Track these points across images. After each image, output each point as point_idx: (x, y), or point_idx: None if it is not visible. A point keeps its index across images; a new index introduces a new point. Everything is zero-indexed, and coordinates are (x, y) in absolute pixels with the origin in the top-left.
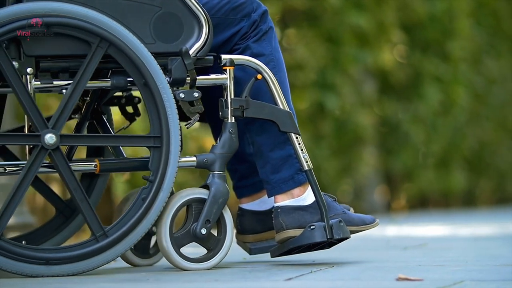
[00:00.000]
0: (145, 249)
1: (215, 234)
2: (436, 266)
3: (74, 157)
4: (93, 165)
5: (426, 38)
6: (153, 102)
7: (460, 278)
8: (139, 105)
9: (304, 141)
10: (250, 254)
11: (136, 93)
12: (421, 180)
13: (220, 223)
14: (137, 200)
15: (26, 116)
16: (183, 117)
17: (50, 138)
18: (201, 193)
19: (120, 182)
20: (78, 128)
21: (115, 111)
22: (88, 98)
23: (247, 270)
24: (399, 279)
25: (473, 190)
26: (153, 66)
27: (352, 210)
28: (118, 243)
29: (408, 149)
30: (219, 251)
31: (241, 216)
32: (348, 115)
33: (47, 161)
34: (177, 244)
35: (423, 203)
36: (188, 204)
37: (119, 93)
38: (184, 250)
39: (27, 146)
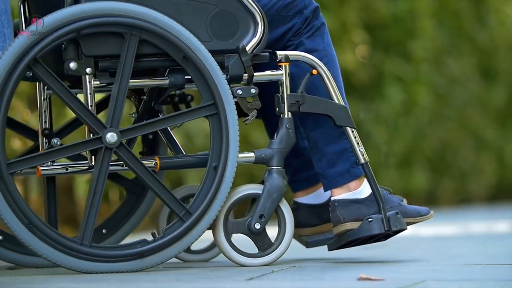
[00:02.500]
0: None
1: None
2: (397, 265)
3: None
4: (154, 163)
5: (388, 38)
6: (198, 73)
7: (421, 278)
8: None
9: (264, 141)
10: (307, 247)
11: (188, 91)
12: (383, 180)
13: (279, 216)
14: (209, 169)
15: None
16: (241, 113)
17: (111, 136)
18: (256, 188)
19: (82, 182)
20: None
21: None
22: (145, 97)
23: (209, 270)
24: (360, 278)
25: (435, 190)
26: (190, 39)
27: (405, 201)
28: (202, 217)
29: (370, 149)
30: (279, 245)
31: (296, 210)
32: None
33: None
34: (231, 230)
35: None
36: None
37: (172, 92)
38: (242, 244)
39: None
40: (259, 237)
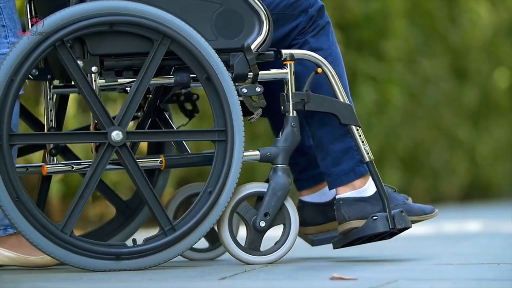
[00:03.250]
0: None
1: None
2: (370, 265)
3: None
4: (159, 161)
5: (361, 38)
6: (217, 98)
7: (394, 277)
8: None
9: None
10: (312, 245)
11: (194, 90)
12: None
13: (284, 215)
14: (204, 193)
15: (92, 115)
16: (246, 111)
17: (116, 135)
18: (261, 186)
19: (55, 182)
20: (141, 125)
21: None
22: (150, 96)
23: (182, 270)
24: (333, 278)
25: (407, 190)
26: (216, 62)
27: (410, 199)
28: (186, 237)
29: None
30: (283, 243)
31: (301, 209)
32: None
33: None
34: (253, 246)
35: None
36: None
37: (178, 90)
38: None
39: (93, 144)
40: (257, 236)
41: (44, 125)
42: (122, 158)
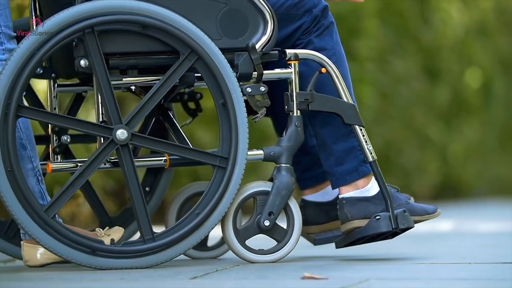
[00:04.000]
0: (202, 242)
1: (283, 226)
2: (341, 264)
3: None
4: (163, 160)
5: None
6: (228, 125)
7: (365, 276)
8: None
9: (208, 140)
10: (315, 244)
11: (198, 89)
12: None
13: (287, 214)
14: (191, 213)
15: (95, 112)
16: (250, 111)
17: (121, 133)
18: (265, 185)
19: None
20: (145, 124)
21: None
22: None
23: (153, 269)
24: (304, 277)
25: None
26: (236, 90)
27: (412, 199)
28: (163, 251)
29: None
30: (286, 242)
31: (304, 208)
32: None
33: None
34: (242, 236)
35: None
36: (253, 197)
37: (181, 89)
38: (252, 242)
39: (98, 140)
40: (273, 231)
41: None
42: (121, 157)
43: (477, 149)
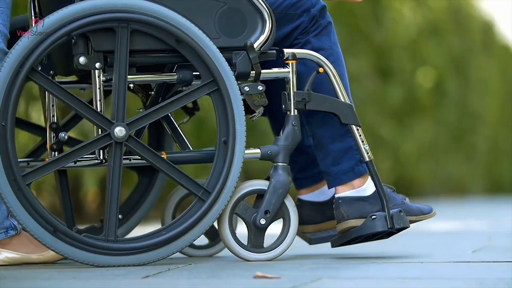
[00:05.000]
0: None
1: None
2: (293, 263)
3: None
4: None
5: None
6: (223, 158)
7: (317, 275)
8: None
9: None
10: (310, 244)
11: None
12: None
13: (283, 213)
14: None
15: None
16: (248, 110)
17: (120, 131)
18: (261, 184)
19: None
20: None
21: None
22: (153, 93)
23: (105, 268)
24: (256, 277)
25: None
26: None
27: (408, 200)
28: (123, 255)
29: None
30: (282, 241)
31: (300, 207)
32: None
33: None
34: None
35: None
36: (250, 195)
37: (179, 88)
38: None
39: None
40: (258, 234)
41: (44, 129)
42: (111, 155)
43: (430, 149)
